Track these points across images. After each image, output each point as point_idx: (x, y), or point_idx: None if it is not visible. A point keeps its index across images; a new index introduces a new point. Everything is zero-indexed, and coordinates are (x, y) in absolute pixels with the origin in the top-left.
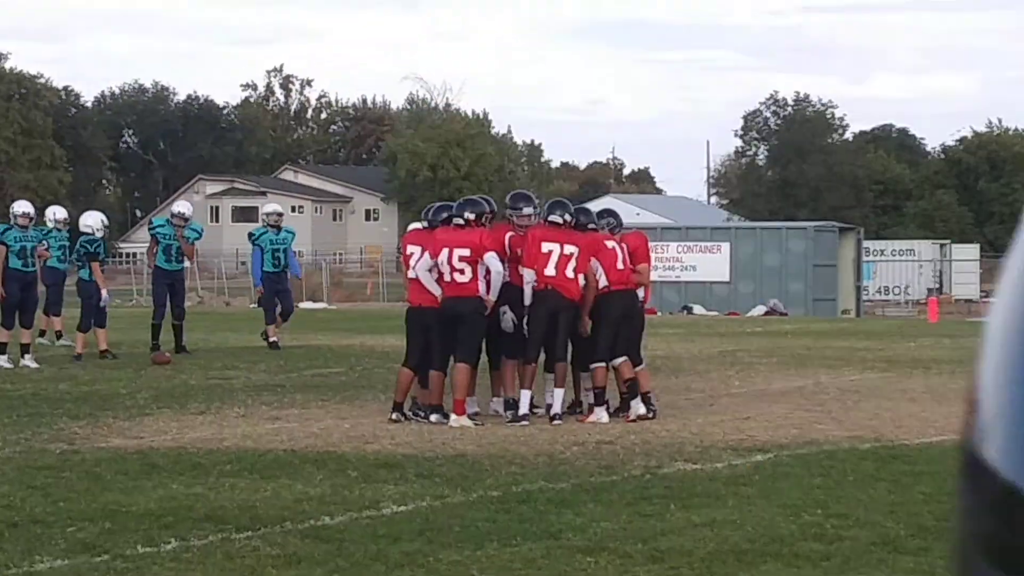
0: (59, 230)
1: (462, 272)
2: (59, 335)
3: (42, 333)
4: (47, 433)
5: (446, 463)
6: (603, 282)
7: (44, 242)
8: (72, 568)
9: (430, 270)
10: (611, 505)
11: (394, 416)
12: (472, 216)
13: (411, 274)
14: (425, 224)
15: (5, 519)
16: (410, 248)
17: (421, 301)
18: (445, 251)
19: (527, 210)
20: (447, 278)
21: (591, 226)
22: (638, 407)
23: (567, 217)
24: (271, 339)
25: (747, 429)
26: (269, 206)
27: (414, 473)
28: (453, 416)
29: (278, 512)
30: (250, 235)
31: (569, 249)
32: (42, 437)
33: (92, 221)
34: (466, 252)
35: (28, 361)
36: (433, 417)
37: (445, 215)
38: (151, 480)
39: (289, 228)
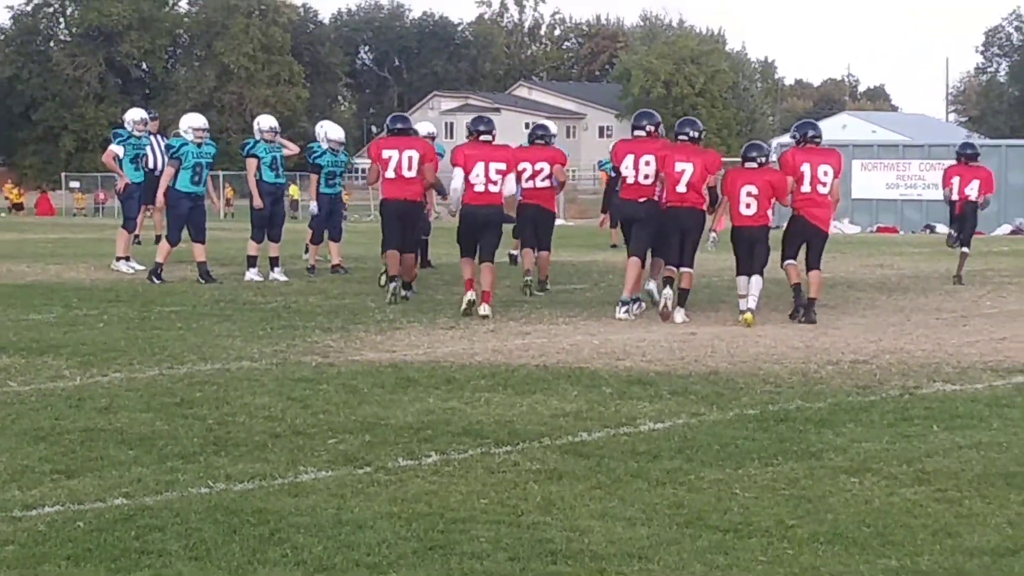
0: (333, 152)
1: (647, 177)
2: (308, 248)
3: (306, 249)
4: (301, 346)
5: (699, 381)
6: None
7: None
8: (336, 479)
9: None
10: (871, 426)
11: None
12: (652, 128)
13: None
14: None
15: (267, 430)
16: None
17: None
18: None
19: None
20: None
21: (682, 138)
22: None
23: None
24: None
25: (1004, 350)
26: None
27: (668, 391)
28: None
29: (535, 427)
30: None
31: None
32: (297, 350)
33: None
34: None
35: (278, 275)
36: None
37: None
38: (407, 394)
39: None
